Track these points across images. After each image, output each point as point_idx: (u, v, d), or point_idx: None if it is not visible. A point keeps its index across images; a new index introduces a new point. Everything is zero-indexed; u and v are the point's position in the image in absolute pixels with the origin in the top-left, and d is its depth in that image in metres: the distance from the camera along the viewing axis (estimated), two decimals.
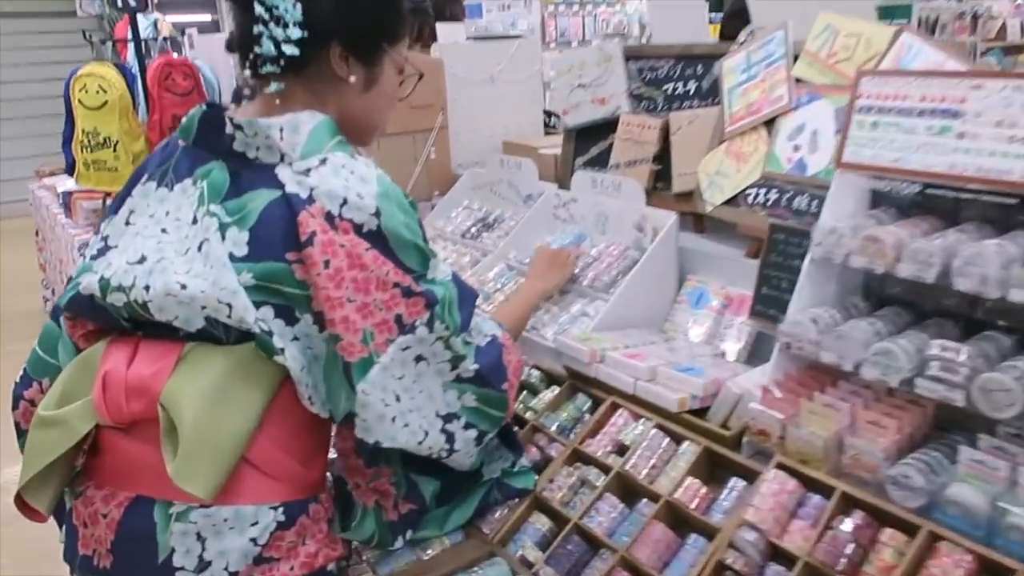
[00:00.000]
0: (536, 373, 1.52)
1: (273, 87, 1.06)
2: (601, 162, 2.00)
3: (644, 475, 1.22)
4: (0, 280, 5.76)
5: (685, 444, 1.25)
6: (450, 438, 1.09)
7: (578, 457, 1.32)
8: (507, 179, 2.16)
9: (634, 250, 1.71)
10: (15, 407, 1.15)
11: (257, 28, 1.01)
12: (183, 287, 0.95)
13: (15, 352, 2.00)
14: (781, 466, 1.12)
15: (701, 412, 1.30)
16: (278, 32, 1.01)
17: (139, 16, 3.71)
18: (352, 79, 1.09)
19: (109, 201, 3.35)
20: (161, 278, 0.97)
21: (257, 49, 1.02)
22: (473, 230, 2.10)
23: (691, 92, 1.85)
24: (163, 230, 1.04)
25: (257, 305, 0.96)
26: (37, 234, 4.82)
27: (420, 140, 2.35)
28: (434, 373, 1.06)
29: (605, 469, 1.27)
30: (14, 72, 8.08)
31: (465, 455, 1.13)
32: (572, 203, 1.90)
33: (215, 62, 3.97)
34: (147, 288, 0.97)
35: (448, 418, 1.09)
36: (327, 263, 0.95)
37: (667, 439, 1.26)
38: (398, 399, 1.03)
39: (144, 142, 3.28)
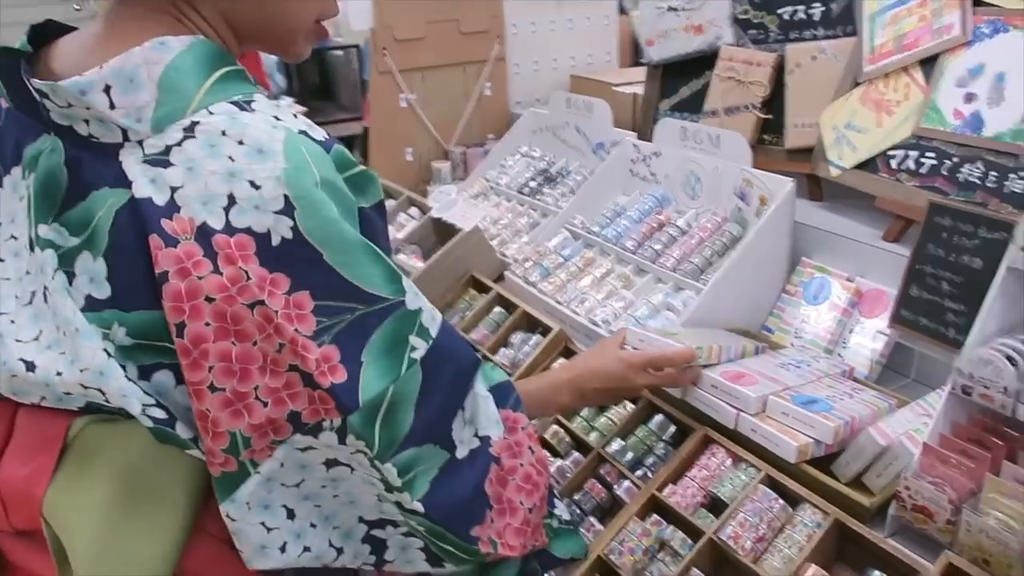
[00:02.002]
0: None
1: None
2: (693, 106, 1.61)
3: (747, 550, 0.91)
4: None
5: (805, 510, 0.93)
6: (378, 547, 0.73)
7: (656, 507, 1.02)
8: (574, 123, 1.80)
9: (734, 223, 1.35)
10: None
11: None
12: (30, 368, 0.62)
13: None
14: (952, 569, 0.79)
15: (825, 459, 0.97)
16: None
17: None
18: None
19: None
20: (2, 353, 0.64)
21: None
22: (532, 184, 1.76)
23: (816, 18, 1.44)
24: None
25: (146, 372, 0.61)
26: None
27: (472, 73, 1.99)
28: (360, 481, 0.68)
29: (693, 531, 0.96)
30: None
31: (406, 564, 0.75)
32: (654, 158, 1.53)
33: None
34: None
35: (379, 524, 0.72)
36: (180, 328, 0.58)
37: (780, 501, 0.94)
38: (291, 516, 0.67)
39: None
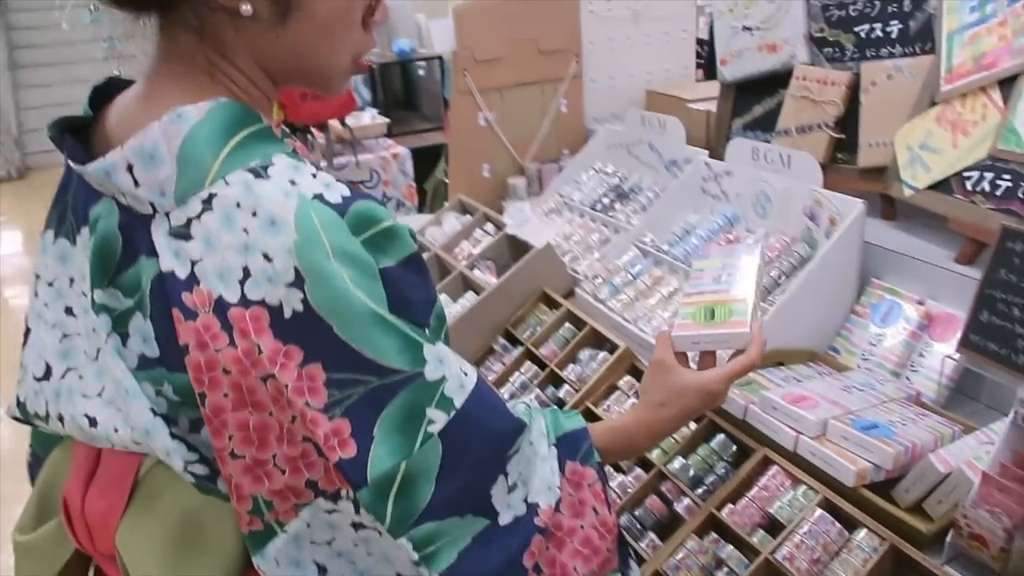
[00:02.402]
0: None
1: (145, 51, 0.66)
2: (766, 125, 1.62)
3: (803, 571, 0.93)
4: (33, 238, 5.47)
5: (862, 534, 0.94)
6: None
7: (714, 525, 1.05)
8: (648, 140, 1.83)
9: (803, 243, 1.36)
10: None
11: None
12: (93, 423, 0.66)
13: None
14: None
15: (885, 484, 0.98)
16: None
17: None
18: (245, 8, 0.63)
19: None
20: (70, 407, 0.68)
21: None
22: (604, 200, 1.80)
23: (893, 36, 1.43)
24: (68, 310, 0.70)
25: (196, 425, 0.64)
26: None
27: (549, 91, 2.05)
28: (390, 544, 0.65)
29: (749, 551, 0.99)
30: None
31: None
32: (725, 176, 1.55)
33: None
34: (61, 419, 0.69)
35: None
36: (203, 398, 0.61)
37: (837, 524, 0.96)
38: (323, 571, 0.67)
39: None
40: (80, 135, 0.70)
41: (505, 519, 0.67)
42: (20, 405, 0.75)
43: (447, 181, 2.54)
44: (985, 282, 1.07)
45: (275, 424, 0.61)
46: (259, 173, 0.62)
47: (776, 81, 1.60)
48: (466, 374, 0.66)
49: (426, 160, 3.86)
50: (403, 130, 4.22)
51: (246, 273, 0.59)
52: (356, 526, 0.65)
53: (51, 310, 0.71)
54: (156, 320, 0.63)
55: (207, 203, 0.61)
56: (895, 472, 0.97)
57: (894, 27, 1.43)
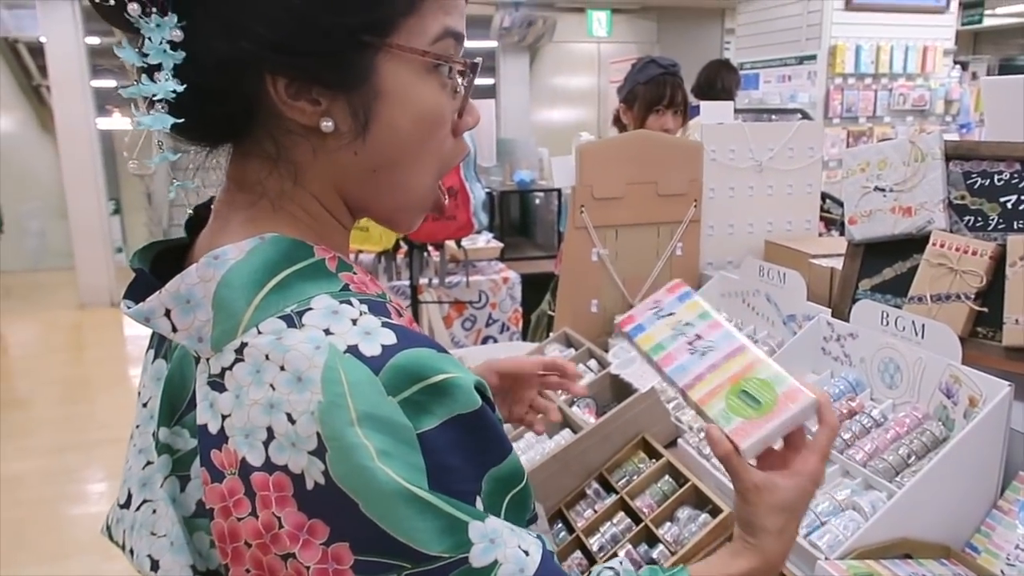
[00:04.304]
0: None
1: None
2: (896, 290, 1.54)
3: None
4: None
5: None
6: None
7: None
8: (765, 291, 1.77)
9: (938, 422, 1.24)
10: None
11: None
12: (155, 566, 0.61)
13: None
14: None
15: None
16: (152, 85, 0.57)
17: None
18: (327, 124, 0.60)
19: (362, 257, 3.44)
20: (138, 544, 0.63)
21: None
22: None
23: None
24: (155, 435, 0.68)
25: None
26: None
27: (666, 234, 2.04)
28: None
29: None
30: None
31: None
32: (849, 339, 1.46)
33: (480, 129, 4.02)
34: (132, 553, 0.64)
35: None
36: (227, 569, 0.56)
37: None
38: None
39: None
40: (177, 261, 0.67)
41: None
42: (108, 528, 0.71)
43: (551, 313, 2.53)
44: None
45: None
46: (292, 321, 0.56)
47: (910, 244, 1.52)
48: (527, 553, 0.56)
49: (534, 288, 3.91)
50: (515, 255, 4.32)
51: (270, 434, 0.53)
52: None
53: (141, 433, 0.67)
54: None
55: (239, 353, 0.56)
56: None
57: None
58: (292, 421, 0.53)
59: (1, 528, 3.20)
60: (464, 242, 3.65)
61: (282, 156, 0.62)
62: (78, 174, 6.97)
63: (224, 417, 0.55)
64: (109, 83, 7.26)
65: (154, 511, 0.64)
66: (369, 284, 0.65)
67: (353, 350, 0.54)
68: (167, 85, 0.57)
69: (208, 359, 0.57)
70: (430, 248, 3.53)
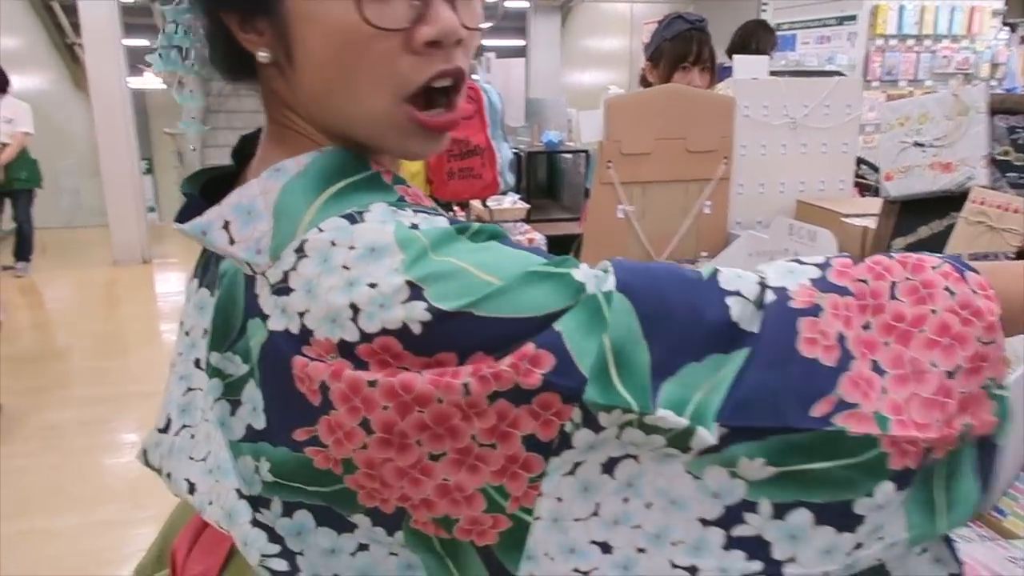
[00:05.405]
0: None
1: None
2: (932, 248, 1.48)
3: None
4: None
5: None
6: (755, 548, 0.54)
7: None
8: (795, 250, 1.72)
9: None
10: None
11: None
12: (192, 489, 0.63)
13: None
14: None
15: None
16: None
17: None
18: (262, 55, 0.61)
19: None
20: (177, 466, 0.65)
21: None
22: None
23: None
24: (197, 362, 0.67)
25: (289, 509, 0.58)
26: None
27: (694, 191, 1.99)
28: (656, 464, 0.54)
29: None
30: None
31: (824, 557, 0.54)
32: None
33: (509, 88, 3.97)
34: (169, 477, 0.67)
35: (731, 519, 0.54)
36: (366, 423, 0.53)
37: None
38: (607, 550, 0.55)
39: (422, 163, 3.32)
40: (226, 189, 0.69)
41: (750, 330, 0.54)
42: (144, 453, 0.74)
43: None
44: None
45: (453, 410, 0.52)
46: (354, 218, 0.57)
47: (946, 202, 1.47)
48: (605, 271, 0.57)
49: (560, 249, 3.85)
50: (541, 217, 4.28)
51: (355, 310, 0.53)
52: (607, 469, 0.54)
53: (183, 361, 0.69)
54: (266, 387, 0.57)
55: (300, 251, 0.56)
56: None
57: None
58: (375, 286, 0.53)
59: (39, 473, 3.30)
60: (490, 202, 3.62)
61: (266, 88, 0.66)
62: (111, 133, 7.04)
63: (302, 314, 0.54)
64: (142, 41, 7.30)
65: (192, 436, 0.65)
66: (423, 199, 0.66)
67: (416, 228, 0.57)
68: (176, 37, 0.68)
69: (265, 272, 0.57)
70: (456, 208, 3.51)
